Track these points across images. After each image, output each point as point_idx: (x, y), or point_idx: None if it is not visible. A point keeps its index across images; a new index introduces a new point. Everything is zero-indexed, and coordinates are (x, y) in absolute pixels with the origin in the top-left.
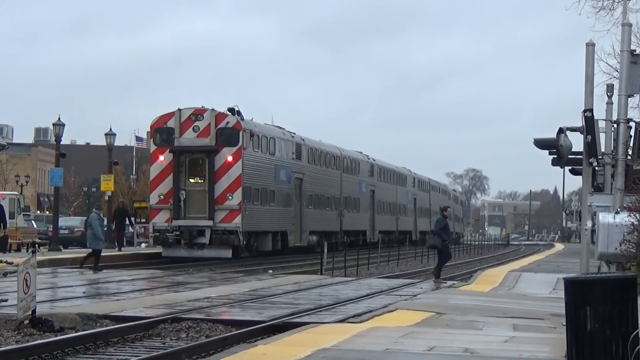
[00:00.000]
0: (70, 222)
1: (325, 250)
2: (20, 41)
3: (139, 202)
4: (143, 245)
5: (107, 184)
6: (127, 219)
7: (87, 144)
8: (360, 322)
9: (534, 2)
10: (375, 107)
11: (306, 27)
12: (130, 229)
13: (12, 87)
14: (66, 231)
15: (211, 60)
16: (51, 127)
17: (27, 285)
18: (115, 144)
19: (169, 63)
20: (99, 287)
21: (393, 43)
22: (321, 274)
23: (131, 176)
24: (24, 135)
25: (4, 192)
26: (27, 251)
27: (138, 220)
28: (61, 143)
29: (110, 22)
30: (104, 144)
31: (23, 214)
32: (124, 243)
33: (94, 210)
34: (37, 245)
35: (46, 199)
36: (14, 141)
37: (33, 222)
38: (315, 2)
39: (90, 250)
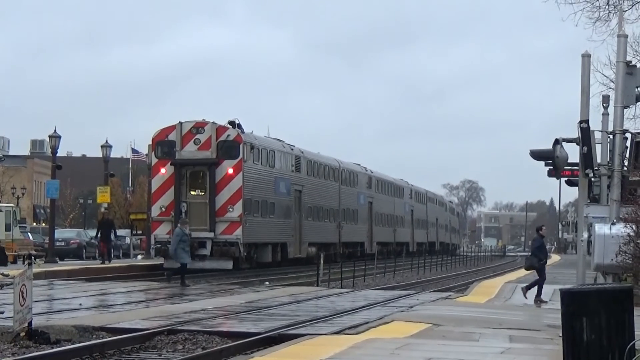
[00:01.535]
0: (67, 234)
1: (322, 261)
2: (29, 54)
3: (135, 213)
4: (139, 257)
5: (103, 196)
6: (112, 231)
7: (83, 155)
8: (357, 333)
9: (547, 13)
10: (382, 117)
11: (319, 39)
12: (120, 241)
13: (14, 99)
14: (62, 243)
15: (222, 72)
16: (47, 139)
17: (23, 297)
18: (112, 155)
19: (179, 75)
20: (95, 299)
21: (404, 54)
22: (317, 286)
23: (127, 188)
24: (20, 147)
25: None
26: (23, 263)
27: (134, 232)
28: (57, 155)
29: (122, 35)
30: (100, 155)
31: (19, 226)
32: (112, 256)
33: (178, 225)
34: (33, 257)
35: (42, 211)
36: (10, 153)
37: (29, 234)
38: (328, 14)
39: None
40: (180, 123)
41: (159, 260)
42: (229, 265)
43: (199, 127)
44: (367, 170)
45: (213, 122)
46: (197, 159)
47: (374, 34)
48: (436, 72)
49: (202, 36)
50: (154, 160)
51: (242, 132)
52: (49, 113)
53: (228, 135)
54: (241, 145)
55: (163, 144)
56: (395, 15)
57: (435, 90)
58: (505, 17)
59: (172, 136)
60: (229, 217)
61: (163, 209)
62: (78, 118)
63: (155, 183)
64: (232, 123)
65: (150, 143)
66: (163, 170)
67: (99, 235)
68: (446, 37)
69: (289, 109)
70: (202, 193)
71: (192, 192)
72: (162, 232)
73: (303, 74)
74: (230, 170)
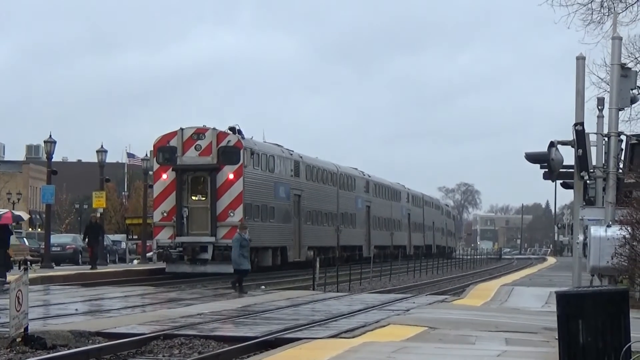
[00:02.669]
0: (62, 239)
1: (318, 265)
2: (29, 57)
3: (131, 218)
4: (135, 261)
5: (99, 201)
6: (101, 235)
7: (79, 161)
8: (353, 337)
9: (551, 17)
10: (385, 121)
11: (324, 43)
12: (116, 246)
13: (11, 103)
14: (58, 248)
15: (226, 77)
16: (42, 144)
17: (19, 302)
18: (107, 160)
19: (182, 80)
20: (91, 304)
21: (411, 58)
22: (313, 290)
23: (123, 193)
24: (15, 152)
25: None
26: (19, 268)
27: (130, 237)
28: (52, 160)
29: (125, 40)
30: (96, 160)
31: (15, 232)
32: (108, 261)
33: (237, 231)
34: (29, 263)
35: (38, 216)
36: (5, 158)
37: (25, 239)
38: (334, 18)
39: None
40: (181, 129)
41: (154, 265)
42: (230, 269)
43: (199, 133)
44: (364, 175)
45: (214, 128)
46: (198, 164)
47: (379, 38)
48: (440, 76)
49: (207, 42)
50: (156, 166)
51: (243, 137)
52: (45, 118)
53: (228, 141)
54: (241, 151)
55: (164, 150)
56: (400, 20)
57: (438, 94)
58: (510, 21)
59: (173, 142)
60: (230, 222)
61: (165, 214)
62: (74, 123)
63: (157, 188)
64: (232, 129)
65: (152, 149)
66: (164, 176)
67: (87, 239)
68: (451, 42)
69: (293, 113)
70: (203, 198)
71: (194, 198)
72: (164, 237)
73: (308, 78)
74: (231, 176)
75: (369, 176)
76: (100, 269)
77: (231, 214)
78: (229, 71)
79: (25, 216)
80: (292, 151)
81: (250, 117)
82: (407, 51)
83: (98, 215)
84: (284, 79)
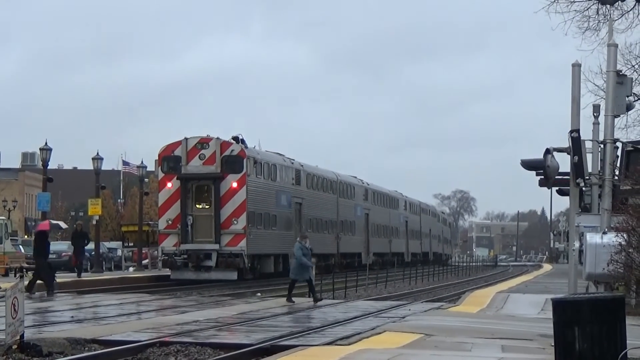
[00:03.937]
0: (58, 246)
1: (314, 272)
2: (40, 66)
3: (126, 225)
4: (131, 269)
5: (95, 208)
6: (85, 242)
7: (75, 168)
8: (349, 344)
9: (556, 25)
10: (388, 129)
11: (335, 52)
12: (112, 253)
13: (12, 111)
14: (54, 256)
15: (236, 85)
16: (38, 151)
17: (15, 310)
18: (103, 168)
19: (192, 88)
20: (87, 312)
21: (417, 67)
22: (309, 297)
23: (119, 200)
24: (11, 160)
25: None
26: (15, 276)
27: (126, 244)
28: (48, 168)
29: (137, 48)
30: (92, 168)
31: (11, 239)
32: (103, 268)
33: (297, 240)
34: (24, 270)
35: (34, 224)
36: (1, 166)
37: (21, 246)
38: (345, 27)
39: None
40: (186, 139)
41: (155, 272)
42: (233, 276)
43: (203, 142)
44: (363, 183)
45: (217, 138)
46: (202, 173)
47: (386, 47)
48: (444, 85)
49: (216, 50)
50: (161, 175)
51: (246, 147)
52: (41, 126)
53: (232, 150)
54: (245, 160)
55: (169, 159)
56: (407, 29)
57: (441, 103)
58: (514, 30)
59: (177, 151)
60: (234, 230)
61: (169, 222)
62: (70, 130)
63: (162, 197)
64: (235, 138)
65: (157, 158)
66: (169, 185)
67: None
68: (458, 50)
69: (300, 120)
70: (208, 206)
71: (198, 206)
72: (168, 244)
73: (316, 86)
74: (235, 184)
75: (368, 184)
76: (96, 277)
77: (234, 222)
78: (237, 79)
79: (64, 225)
80: (293, 160)
81: (256, 125)
82: (412, 60)
83: (94, 222)
84: (292, 87)
